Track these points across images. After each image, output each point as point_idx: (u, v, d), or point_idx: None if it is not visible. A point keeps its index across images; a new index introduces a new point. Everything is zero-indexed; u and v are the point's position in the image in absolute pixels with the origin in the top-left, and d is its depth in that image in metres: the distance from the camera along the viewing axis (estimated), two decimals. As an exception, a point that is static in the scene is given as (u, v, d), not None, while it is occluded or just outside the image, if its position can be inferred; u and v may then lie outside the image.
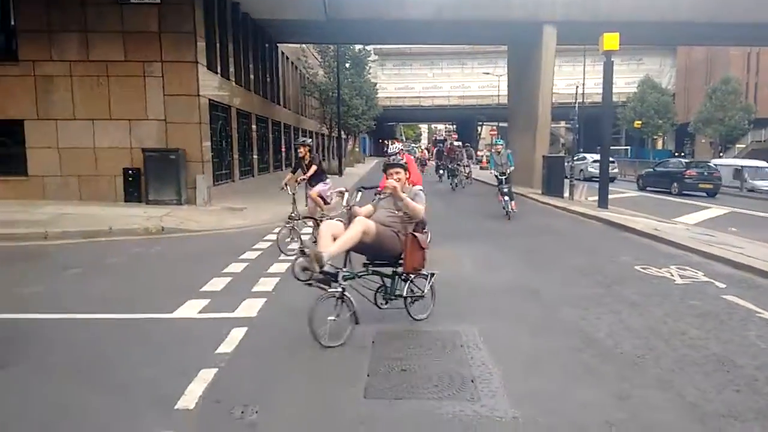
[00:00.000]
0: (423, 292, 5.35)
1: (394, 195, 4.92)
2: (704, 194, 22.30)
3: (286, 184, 9.13)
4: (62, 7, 13.79)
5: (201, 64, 14.41)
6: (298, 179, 9.21)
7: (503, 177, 13.29)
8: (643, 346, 4.85)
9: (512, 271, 7.76)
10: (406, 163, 5.35)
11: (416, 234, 5.05)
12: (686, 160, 26.43)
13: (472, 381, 4.05)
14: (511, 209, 13.16)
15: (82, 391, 3.88)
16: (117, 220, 10.91)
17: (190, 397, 3.76)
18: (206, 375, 4.09)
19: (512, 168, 13.75)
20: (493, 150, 15.24)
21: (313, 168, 9.10)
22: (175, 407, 3.65)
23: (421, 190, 5.29)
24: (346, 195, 5.31)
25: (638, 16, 20.42)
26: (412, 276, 5.21)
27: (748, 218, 15.13)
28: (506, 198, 13.21)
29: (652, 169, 26.15)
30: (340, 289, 4.65)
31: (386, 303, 5.27)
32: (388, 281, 5.24)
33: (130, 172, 13.93)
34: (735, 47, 42.05)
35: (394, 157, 5.45)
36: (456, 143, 29.28)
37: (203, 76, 14.51)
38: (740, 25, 21.20)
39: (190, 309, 5.67)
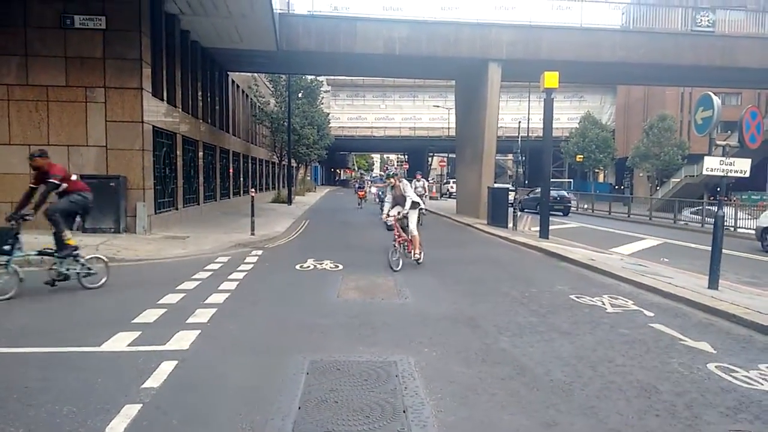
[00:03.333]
0: None
1: None
2: (560, 213, 29.47)
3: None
4: (2, 30, 13.38)
5: (146, 91, 14.19)
6: None
7: None
8: (572, 373, 4.99)
9: (453, 300, 7.85)
10: None
11: None
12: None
13: (404, 411, 4.07)
14: None
15: (-7, 430, 3.68)
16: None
17: (111, 434, 3.64)
18: (130, 411, 3.96)
19: None
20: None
21: None
22: (94, 445, 3.52)
23: None
24: None
25: (579, 55, 21.45)
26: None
27: (681, 249, 15.84)
28: None
29: (527, 196, 32.24)
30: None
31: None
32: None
33: (67, 199, 13.44)
34: (670, 87, 44.52)
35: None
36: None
37: (148, 103, 14.29)
38: (670, 66, 22.55)
39: (119, 342, 5.49)
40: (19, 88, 13.46)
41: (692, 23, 22.22)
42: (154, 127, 14.86)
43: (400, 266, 10.06)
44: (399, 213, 10.84)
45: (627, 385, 4.73)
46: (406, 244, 10.84)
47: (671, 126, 43.98)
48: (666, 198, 38.05)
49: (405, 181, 11.69)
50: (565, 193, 32.73)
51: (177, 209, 17.20)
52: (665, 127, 43.56)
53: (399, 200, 10.89)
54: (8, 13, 13.36)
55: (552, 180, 25.21)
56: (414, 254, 10.67)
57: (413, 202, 10.75)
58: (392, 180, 11.02)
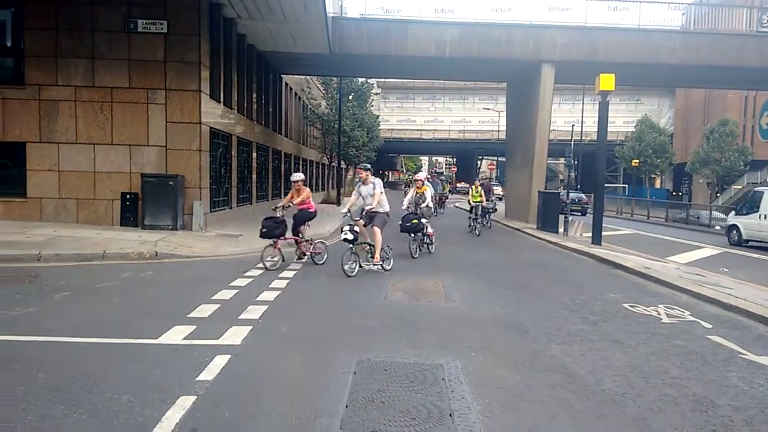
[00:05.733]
0: None
1: None
2: (578, 213, 30.12)
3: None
4: (72, 34, 14.09)
5: (204, 93, 14.64)
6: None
7: None
8: (625, 384, 4.87)
9: (501, 305, 7.78)
10: None
11: None
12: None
13: (450, 415, 4.06)
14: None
15: (60, 414, 3.88)
16: (111, 244, 10.97)
17: (167, 424, 3.77)
18: (185, 402, 4.10)
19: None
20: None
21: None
22: (150, 434, 3.66)
23: None
24: None
25: (635, 57, 20.82)
26: None
27: (741, 258, 15.17)
28: None
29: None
30: None
31: None
32: None
33: (128, 196, 14.04)
34: (732, 90, 42.67)
35: None
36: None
37: (206, 105, 14.74)
38: (733, 68, 21.60)
39: (176, 335, 5.70)
40: (85, 89, 14.14)
41: (758, 24, 21.23)
42: (211, 128, 15.32)
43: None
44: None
45: (682, 398, 4.58)
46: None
47: (733, 131, 42.07)
48: (726, 206, 36.47)
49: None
50: (582, 195, 36.01)
51: (231, 208, 17.67)
52: (727, 131, 41.71)
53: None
54: (77, 17, 14.05)
55: (606, 185, 24.68)
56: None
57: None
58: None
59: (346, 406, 4.13)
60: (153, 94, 14.26)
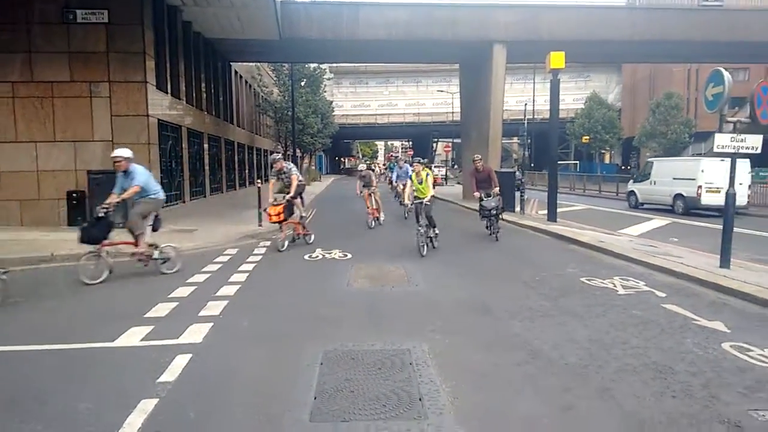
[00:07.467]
0: None
1: None
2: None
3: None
4: (6, 28, 13.35)
5: (150, 84, 14.14)
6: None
7: None
8: (587, 356, 4.98)
9: (463, 287, 7.84)
10: None
11: None
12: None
13: (420, 399, 4.07)
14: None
15: (14, 428, 3.70)
16: (59, 245, 10.52)
17: (129, 429, 3.66)
18: (146, 406, 3.97)
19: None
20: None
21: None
22: (113, 441, 3.53)
23: None
24: None
25: (582, 35, 21.16)
26: None
27: (689, 228, 15.73)
28: None
29: None
30: None
31: None
32: None
33: (74, 195, 13.48)
34: (677, 64, 43.99)
35: None
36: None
37: (152, 96, 14.25)
38: (678, 43, 22.23)
39: (133, 336, 5.50)
40: (23, 85, 13.45)
41: (700, -2, 21.86)
42: (159, 120, 14.83)
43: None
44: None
45: (642, 367, 4.71)
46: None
47: (678, 104, 43.48)
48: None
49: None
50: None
51: (184, 202, 17.21)
52: (672, 105, 43.08)
53: None
54: (10, 10, 13.31)
55: (559, 162, 25.16)
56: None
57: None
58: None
59: (315, 398, 4.08)
60: (96, 87, 13.70)
